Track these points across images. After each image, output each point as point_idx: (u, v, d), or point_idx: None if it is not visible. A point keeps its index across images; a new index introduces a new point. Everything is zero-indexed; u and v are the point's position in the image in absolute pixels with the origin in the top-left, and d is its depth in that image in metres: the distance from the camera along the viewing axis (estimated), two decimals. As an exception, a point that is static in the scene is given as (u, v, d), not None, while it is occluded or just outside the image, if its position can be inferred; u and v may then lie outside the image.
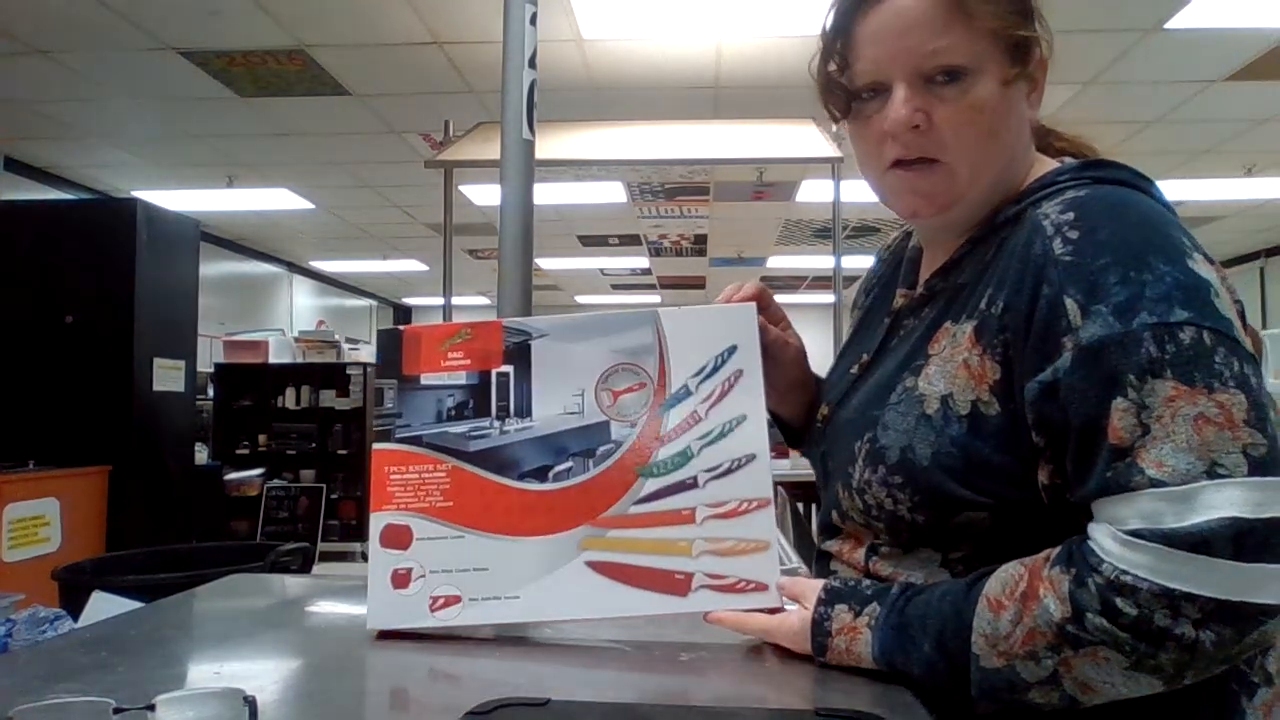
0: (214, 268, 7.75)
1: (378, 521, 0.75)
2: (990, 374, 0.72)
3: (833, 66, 0.79)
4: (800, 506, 3.45)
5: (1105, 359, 0.64)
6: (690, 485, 0.75)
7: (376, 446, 0.74)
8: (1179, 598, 0.59)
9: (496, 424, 0.73)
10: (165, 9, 3.68)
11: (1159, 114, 4.86)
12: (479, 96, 4.59)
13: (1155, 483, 0.61)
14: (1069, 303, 0.67)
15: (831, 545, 0.87)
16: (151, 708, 0.56)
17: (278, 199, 6.74)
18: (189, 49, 4.07)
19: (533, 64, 1.11)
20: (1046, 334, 0.68)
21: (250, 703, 0.57)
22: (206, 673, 0.77)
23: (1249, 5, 3.66)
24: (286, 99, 4.70)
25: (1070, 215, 0.71)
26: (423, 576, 0.74)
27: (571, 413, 0.73)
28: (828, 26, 0.80)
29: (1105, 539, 0.63)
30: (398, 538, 0.74)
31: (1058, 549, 0.67)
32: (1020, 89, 0.78)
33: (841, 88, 0.79)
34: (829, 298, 3.69)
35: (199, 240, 4.55)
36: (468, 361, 0.74)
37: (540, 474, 0.73)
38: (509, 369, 0.73)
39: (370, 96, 4.69)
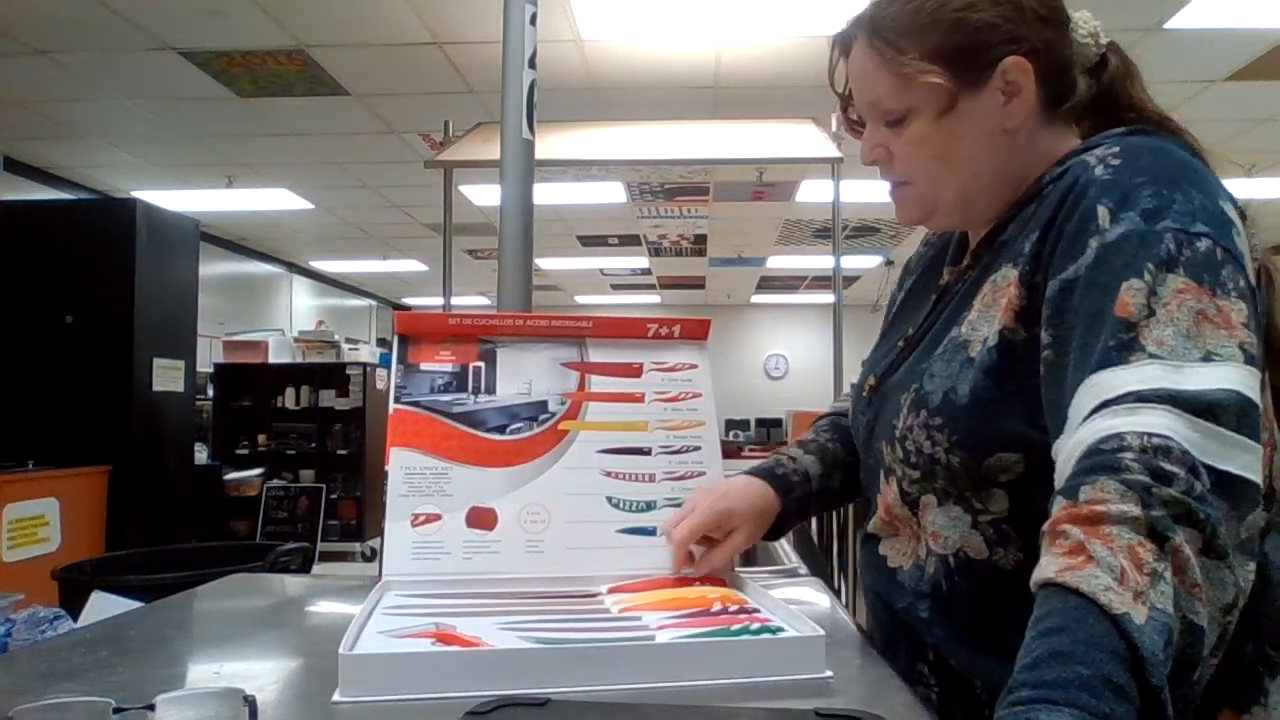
0: (214, 268, 7.75)
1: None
2: (1018, 301, 0.75)
3: (851, 113, 0.92)
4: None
5: (1125, 249, 0.67)
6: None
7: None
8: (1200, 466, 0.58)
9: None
10: (165, 9, 3.69)
11: (1159, 114, 4.86)
12: (479, 96, 4.59)
13: (1154, 356, 0.63)
14: (1100, 209, 0.70)
15: (876, 528, 0.88)
16: (151, 708, 0.56)
17: (277, 199, 6.74)
18: (189, 49, 4.07)
19: (533, 64, 1.11)
20: (1076, 238, 0.70)
21: (250, 703, 0.57)
22: (206, 673, 0.77)
23: (1249, 5, 3.66)
24: (286, 99, 4.70)
25: (1115, 149, 0.75)
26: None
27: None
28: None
29: (1108, 419, 0.61)
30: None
31: (1056, 492, 0.62)
32: (974, 109, 0.80)
33: (851, 123, 0.92)
34: (829, 298, 3.69)
35: (199, 240, 4.54)
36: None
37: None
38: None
39: (370, 96, 4.69)
